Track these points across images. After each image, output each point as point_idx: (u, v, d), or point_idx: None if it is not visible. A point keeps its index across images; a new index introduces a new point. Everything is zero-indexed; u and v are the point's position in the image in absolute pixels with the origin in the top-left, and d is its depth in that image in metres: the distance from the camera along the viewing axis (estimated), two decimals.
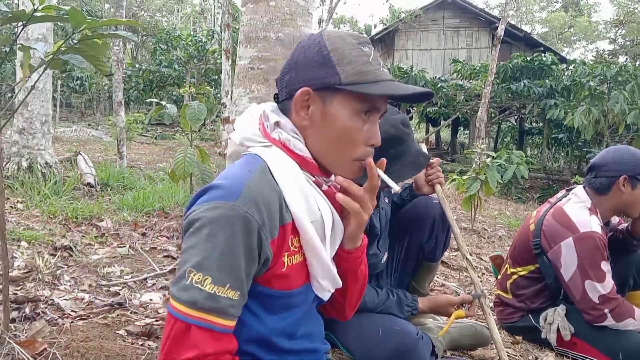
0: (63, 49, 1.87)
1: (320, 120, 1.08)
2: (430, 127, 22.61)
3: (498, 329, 2.35)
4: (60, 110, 18.87)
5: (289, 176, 1.06)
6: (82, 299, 2.20)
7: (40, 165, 4.50)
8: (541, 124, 15.99)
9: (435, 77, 16.34)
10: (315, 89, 1.07)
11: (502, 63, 14.56)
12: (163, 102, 3.54)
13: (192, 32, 20.63)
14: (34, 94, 4.49)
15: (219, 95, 14.64)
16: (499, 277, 2.56)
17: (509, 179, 7.71)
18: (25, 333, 1.77)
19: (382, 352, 1.65)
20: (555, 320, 2.23)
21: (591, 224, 2.10)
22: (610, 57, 26.13)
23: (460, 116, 16.57)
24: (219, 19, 19.67)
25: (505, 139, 21.32)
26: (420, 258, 2.14)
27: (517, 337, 2.36)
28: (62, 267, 2.55)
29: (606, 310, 2.07)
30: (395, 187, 1.10)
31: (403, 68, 15.92)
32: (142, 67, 18.78)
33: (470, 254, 4.11)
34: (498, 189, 8.35)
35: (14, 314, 1.91)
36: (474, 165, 5.72)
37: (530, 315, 2.33)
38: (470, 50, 19.56)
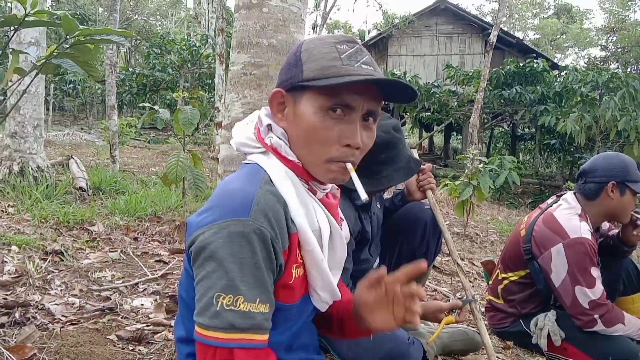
0: (55, 53, 1.87)
1: (294, 120, 1.06)
2: (424, 133, 22.68)
3: (489, 334, 2.36)
4: (53, 113, 18.81)
5: (291, 187, 1.05)
6: (73, 304, 2.18)
7: (31, 169, 4.47)
8: (533, 130, 16.07)
9: (429, 82, 16.40)
10: (287, 90, 1.07)
11: (494, 69, 14.65)
12: (156, 107, 3.54)
13: (186, 37, 20.62)
14: (26, 97, 4.47)
15: (212, 99, 14.64)
16: (490, 282, 2.57)
17: (501, 184, 7.75)
18: (15, 338, 1.76)
19: (374, 358, 1.66)
20: (545, 326, 2.24)
21: (581, 230, 2.12)
22: (602, 63, 26.36)
23: (453, 122, 16.63)
24: (213, 23, 19.70)
25: (497, 145, 21.41)
26: (412, 263, 2.14)
27: (508, 342, 2.37)
28: (53, 272, 2.54)
29: (596, 316, 2.09)
30: (364, 195, 1.03)
31: (396, 74, 15.96)
32: (136, 71, 18.75)
33: (463, 259, 4.13)
34: (490, 194, 8.40)
35: (4, 319, 1.90)
36: (466, 170, 5.74)
37: (521, 320, 2.34)
38: (463, 56, 19.65)
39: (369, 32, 30.13)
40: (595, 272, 2.10)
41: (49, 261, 2.65)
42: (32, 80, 2.17)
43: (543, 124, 12.77)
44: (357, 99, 1.01)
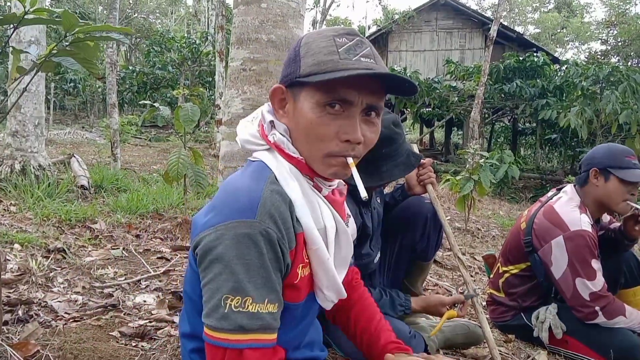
0: (55, 51, 1.87)
1: (293, 116, 1.06)
2: (424, 128, 22.67)
3: (491, 328, 2.37)
4: (54, 112, 18.82)
5: (296, 186, 1.05)
6: (76, 301, 2.19)
7: (33, 167, 4.48)
8: (534, 124, 16.05)
9: (429, 78, 16.38)
10: (287, 86, 1.06)
11: (494, 63, 14.62)
12: (156, 104, 3.55)
13: (186, 34, 20.60)
14: (26, 96, 4.48)
15: (213, 97, 14.63)
16: (491, 276, 2.58)
17: (501, 179, 7.76)
18: (18, 335, 1.76)
19: None
20: (547, 319, 2.24)
21: (581, 222, 2.12)
22: (603, 57, 26.29)
23: (453, 117, 16.61)
24: (212, 20, 19.68)
25: (498, 140, 21.38)
26: (413, 258, 2.15)
27: (509, 336, 2.37)
28: (56, 269, 2.55)
29: (597, 308, 2.09)
30: (363, 193, 1.02)
31: (397, 70, 15.95)
32: (136, 69, 18.77)
33: (464, 254, 4.14)
34: (491, 189, 8.40)
35: (7, 317, 1.90)
36: (467, 165, 5.75)
37: (522, 313, 2.35)
38: (463, 51, 19.62)
39: (369, 28, 30.06)
40: (596, 264, 2.10)
41: (52, 259, 2.66)
42: (31, 79, 2.17)
43: (544, 118, 12.75)
44: (355, 93, 0.99)
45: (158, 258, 2.93)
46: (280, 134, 1.08)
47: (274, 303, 0.96)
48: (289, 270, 1.02)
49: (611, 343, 2.10)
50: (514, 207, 9.11)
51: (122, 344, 1.82)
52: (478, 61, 17.01)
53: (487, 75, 12.38)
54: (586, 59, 24.95)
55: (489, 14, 29.24)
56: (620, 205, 2.21)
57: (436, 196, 2.11)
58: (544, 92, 13.96)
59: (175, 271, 2.71)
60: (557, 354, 2.25)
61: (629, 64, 24.51)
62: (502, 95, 14.79)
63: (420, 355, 1.25)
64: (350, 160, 1.03)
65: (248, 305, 0.92)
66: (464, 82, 15.87)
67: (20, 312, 1.96)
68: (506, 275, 2.42)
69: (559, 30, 41.45)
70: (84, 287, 2.37)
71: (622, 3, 32.61)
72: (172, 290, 2.40)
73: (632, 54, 26.95)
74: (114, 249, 3.01)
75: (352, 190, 1.81)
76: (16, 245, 2.77)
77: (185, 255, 2.98)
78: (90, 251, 2.93)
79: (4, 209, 3.58)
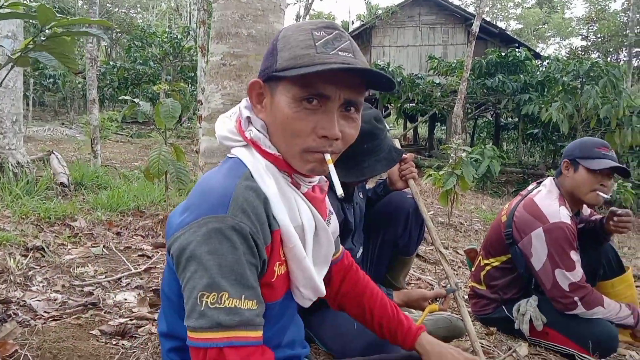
0: (31, 46, 1.84)
1: (271, 111, 1.03)
2: (408, 124, 22.76)
3: (472, 321, 2.39)
4: (33, 109, 18.53)
5: (272, 183, 1.03)
6: (55, 300, 2.16)
7: (11, 165, 4.40)
8: (517, 119, 16.21)
9: (412, 74, 16.44)
10: (264, 80, 1.04)
11: (476, 59, 14.73)
12: (137, 100, 3.51)
13: (167, 29, 20.40)
14: (3, 92, 4.39)
15: (195, 92, 14.53)
16: (473, 269, 2.60)
17: (483, 173, 7.84)
18: None
19: (358, 346, 1.66)
20: (527, 311, 2.27)
21: (560, 214, 2.15)
22: (583, 53, 26.65)
23: (437, 112, 16.70)
24: (194, 15, 19.49)
25: (481, 135, 21.56)
26: (395, 252, 2.16)
27: (491, 329, 2.40)
28: (35, 268, 2.51)
29: (576, 298, 2.12)
30: (339, 191, 1.00)
31: (380, 65, 15.97)
32: (117, 65, 18.54)
33: (447, 248, 4.17)
34: (474, 183, 8.47)
35: None
36: (450, 160, 5.78)
37: (503, 306, 2.37)
38: (446, 46, 19.71)
39: (353, 23, 30.05)
40: (575, 255, 2.13)
41: (30, 257, 2.62)
42: (7, 74, 2.13)
43: (526, 112, 12.89)
44: (333, 88, 0.97)
45: (139, 256, 2.90)
46: (257, 130, 1.06)
47: (252, 299, 0.93)
48: (265, 267, 1.00)
49: (590, 334, 2.13)
50: (497, 202, 9.20)
51: (102, 342, 1.80)
52: (461, 57, 17.12)
53: (470, 71, 12.48)
54: (567, 55, 25.23)
55: (471, 9, 29.40)
56: (588, 196, 2.23)
57: (418, 191, 2.12)
58: (526, 87, 14.11)
59: (157, 269, 2.68)
60: (538, 346, 2.28)
61: (609, 59, 24.86)
62: (485, 91, 14.91)
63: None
64: (327, 156, 1.01)
65: (224, 301, 0.89)
66: (447, 77, 15.96)
67: None
68: (487, 267, 2.44)
69: (540, 26, 41.86)
70: (63, 286, 2.34)
71: (601, 0, 33.02)
72: (153, 287, 2.38)
73: (611, 49, 27.35)
74: (94, 246, 2.97)
75: (334, 187, 1.81)
76: None
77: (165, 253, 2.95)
78: (69, 249, 2.89)
79: None
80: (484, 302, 2.44)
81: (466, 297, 2.65)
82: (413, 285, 2.94)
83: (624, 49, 26.43)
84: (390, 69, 15.56)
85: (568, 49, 34.31)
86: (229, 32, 1.85)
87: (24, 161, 4.59)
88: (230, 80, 1.84)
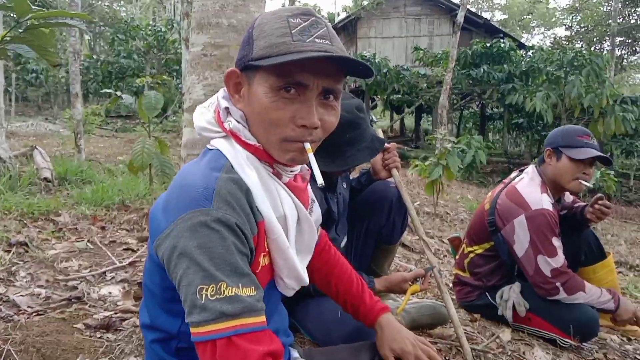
0: (8, 38, 1.82)
1: (249, 100, 1.02)
2: (395, 115, 22.81)
3: (457, 308, 2.42)
4: (16, 104, 18.29)
5: (253, 174, 1.02)
6: (39, 295, 2.15)
7: None
8: (502, 110, 16.33)
9: (398, 65, 16.46)
10: (241, 69, 1.03)
11: (462, 49, 14.79)
12: (121, 94, 3.48)
13: (151, 22, 20.20)
14: None
15: (180, 85, 14.42)
16: (457, 256, 2.63)
17: (469, 163, 7.90)
18: None
19: (341, 334, 1.67)
20: (510, 297, 2.30)
21: (542, 201, 2.18)
22: (567, 43, 26.84)
23: (423, 103, 16.77)
24: (178, 7, 19.32)
25: (467, 125, 21.69)
26: (379, 241, 2.18)
27: (475, 315, 2.42)
28: (18, 263, 2.49)
29: (558, 284, 2.15)
30: (320, 180, 1.00)
31: (366, 56, 15.98)
32: (101, 59, 18.36)
33: (432, 237, 4.20)
34: (460, 173, 8.53)
35: None
36: (436, 151, 5.82)
37: (487, 293, 2.40)
38: (432, 37, 19.75)
39: (338, 14, 29.99)
40: (557, 241, 2.16)
41: (14, 253, 2.60)
42: None
43: (511, 102, 12.99)
44: (310, 77, 0.96)
45: (124, 249, 2.89)
46: (237, 120, 1.05)
47: (249, 286, 0.92)
48: (253, 257, 1.00)
49: (571, 318, 2.16)
50: (482, 191, 9.28)
51: (87, 335, 1.79)
52: (446, 47, 17.17)
53: (455, 62, 12.52)
54: (551, 45, 25.40)
55: (456, 0, 29.47)
56: (571, 184, 2.26)
57: (401, 180, 2.13)
58: (511, 77, 14.21)
59: (142, 262, 2.67)
60: (521, 331, 2.30)
61: (592, 49, 25.06)
62: (470, 81, 15.00)
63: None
64: (307, 145, 1.00)
65: (224, 290, 0.88)
66: (433, 68, 16.03)
67: None
68: (471, 255, 2.46)
69: (525, 16, 42.05)
70: (47, 281, 2.33)
71: None
72: (138, 281, 2.37)
73: (594, 39, 27.56)
74: (78, 241, 2.95)
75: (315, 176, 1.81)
76: None
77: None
78: (53, 244, 2.87)
79: None
80: (467, 289, 2.47)
81: (450, 285, 2.68)
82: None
83: (607, 38, 26.66)
84: (376, 61, 15.57)
85: (552, 39, 34.56)
86: (210, 22, 1.84)
87: (7, 157, 4.54)
88: (212, 71, 1.83)
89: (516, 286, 2.32)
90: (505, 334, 2.23)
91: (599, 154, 2.21)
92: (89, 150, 8.42)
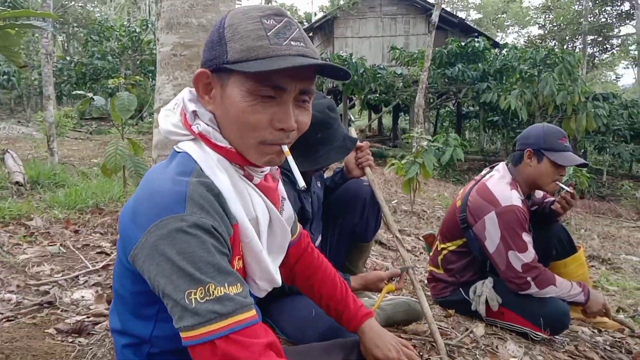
0: None
1: (221, 103, 1.01)
2: (373, 115, 22.92)
3: (431, 304, 2.44)
4: None
5: (225, 177, 1.01)
6: (9, 300, 2.11)
7: None
8: (477, 108, 16.53)
9: (375, 65, 16.54)
10: (212, 71, 1.01)
11: (437, 49, 14.92)
12: (93, 95, 3.43)
13: (125, 23, 19.95)
14: None
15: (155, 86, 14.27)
16: (431, 253, 2.66)
17: (446, 162, 7.98)
18: None
19: (315, 333, 1.68)
20: (483, 292, 2.33)
21: (512, 198, 2.22)
22: (540, 41, 27.29)
23: (400, 103, 16.88)
24: (153, 8, 19.13)
25: (444, 124, 21.91)
26: (353, 239, 2.19)
27: (449, 311, 2.45)
28: None
29: (529, 278, 2.19)
30: (301, 183, 1.02)
31: (342, 56, 16.02)
32: (74, 60, 18.04)
33: (409, 235, 4.24)
34: (436, 171, 8.61)
35: None
36: (412, 150, 5.87)
37: (460, 288, 2.43)
38: (407, 37, 19.88)
39: (315, 14, 30.00)
40: (527, 237, 2.20)
41: None
42: None
43: (485, 101, 13.15)
44: (289, 80, 0.97)
45: (97, 253, 2.85)
46: (206, 123, 1.04)
47: (235, 284, 0.92)
48: (229, 259, 0.99)
49: (543, 312, 2.20)
50: (459, 189, 9.33)
51: (58, 340, 1.77)
52: (422, 47, 17.31)
53: (431, 61, 12.64)
54: (525, 43, 25.78)
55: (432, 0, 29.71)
56: (550, 186, 2.32)
57: (374, 178, 2.15)
58: (485, 75, 14.40)
59: None
60: (494, 326, 2.34)
61: (565, 47, 25.53)
62: (446, 80, 15.15)
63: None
64: (285, 148, 1.01)
65: (213, 291, 0.88)
66: (409, 67, 16.14)
67: None
68: (444, 252, 2.49)
69: (499, 15, 42.59)
70: (18, 286, 2.29)
71: None
72: (111, 284, 2.34)
73: (567, 37, 28.06)
74: (50, 245, 2.90)
75: (290, 177, 1.82)
76: None
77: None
78: (25, 249, 2.82)
79: None
80: (442, 285, 2.50)
81: (425, 281, 2.71)
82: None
83: (579, 36, 27.19)
84: (353, 60, 15.62)
85: (526, 38, 35.08)
86: (179, 22, 1.83)
87: None
88: (182, 71, 1.82)
89: (489, 281, 2.35)
90: (479, 329, 2.27)
91: (582, 160, 2.29)
92: (63, 154, 8.28)
